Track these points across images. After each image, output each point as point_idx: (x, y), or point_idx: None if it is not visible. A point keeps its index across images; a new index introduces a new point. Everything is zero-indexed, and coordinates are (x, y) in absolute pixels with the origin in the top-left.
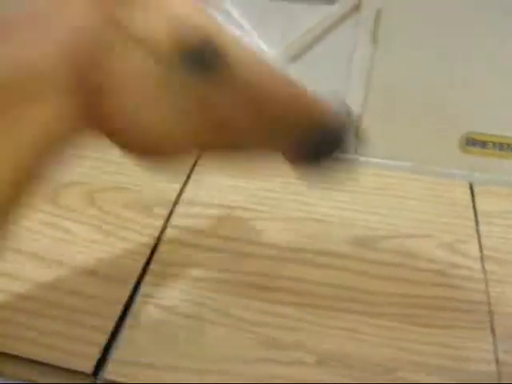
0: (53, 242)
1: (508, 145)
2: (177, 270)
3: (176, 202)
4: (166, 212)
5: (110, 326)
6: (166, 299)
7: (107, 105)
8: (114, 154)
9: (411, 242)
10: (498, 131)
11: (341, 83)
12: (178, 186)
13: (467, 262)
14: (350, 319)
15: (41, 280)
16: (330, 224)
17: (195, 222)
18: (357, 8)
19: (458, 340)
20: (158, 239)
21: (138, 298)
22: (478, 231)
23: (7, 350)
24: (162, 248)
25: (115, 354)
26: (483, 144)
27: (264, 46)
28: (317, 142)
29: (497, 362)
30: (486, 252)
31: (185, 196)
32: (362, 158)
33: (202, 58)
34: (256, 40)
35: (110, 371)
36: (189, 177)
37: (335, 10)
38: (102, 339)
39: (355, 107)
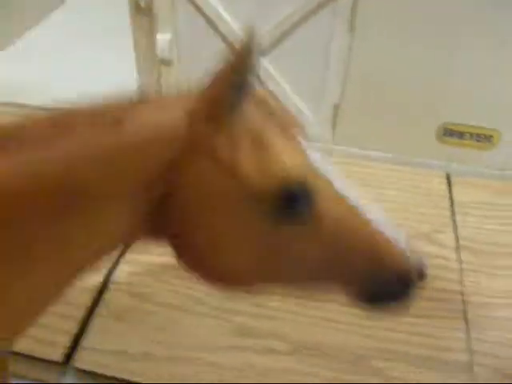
0: None
1: (485, 136)
2: (150, 258)
3: None
4: None
5: (81, 314)
6: (138, 287)
7: (179, 223)
8: None
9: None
10: (475, 122)
11: (318, 72)
12: None
13: (443, 251)
14: (325, 308)
15: None
16: None
17: None
18: None
19: (432, 329)
20: None
21: (111, 286)
22: (454, 221)
23: None
24: None
25: (86, 342)
26: (460, 135)
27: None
28: (384, 287)
29: (469, 350)
30: (461, 242)
31: None
32: (339, 147)
33: (295, 205)
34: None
35: (80, 359)
36: None
37: None
38: (73, 327)
39: (332, 97)
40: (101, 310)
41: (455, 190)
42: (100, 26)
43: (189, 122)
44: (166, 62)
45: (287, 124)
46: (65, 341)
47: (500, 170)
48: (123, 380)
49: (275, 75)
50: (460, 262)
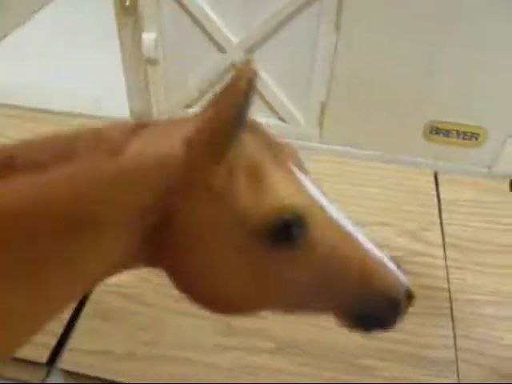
0: None
1: (471, 133)
2: None
3: None
4: None
5: (67, 314)
6: (125, 287)
7: (174, 253)
8: None
9: (374, 230)
10: (461, 120)
11: (304, 71)
12: None
13: (429, 249)
14: None
15: None
16: None
17: None
18: None
19: (418, 326)
20: None
21: (98, 286)
22: (440, 219)
23: None
24: None
25: (71, 342)
26: (447, 133)
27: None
28: (373, 310)
29: (455, 347)
30: (447, 239)
31: None
32: (326, 146)
33: (290, 234)
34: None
35: (65, 360)
36: None
37: None
38: (59, 328)
39: (319, 95)
40: (86, 310)
41: (442, 187)
42: (88, 23)
43: (187, 152)
44: (152, 61)
45: (282, 154)
46: (50, 342)
47: (486, 167)
48: (108, 380)
49: (261, 74)
50: (446, 259)
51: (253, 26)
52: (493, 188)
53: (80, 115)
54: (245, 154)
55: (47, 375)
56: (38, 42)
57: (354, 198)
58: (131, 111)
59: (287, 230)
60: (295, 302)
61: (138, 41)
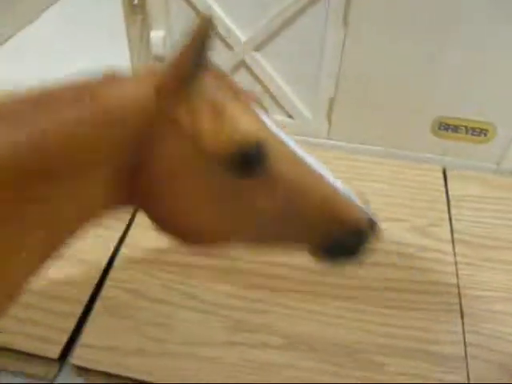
0: None
1: (480, 129)
2: (146, 255)
3: None
4: None
5: (79, 310)
6: (134, 283)
7: (148, 189)
8: None
9: (383, 226)
10: (470, 116)
11: (312, 67)
12: None
13: (438, 245)
14: (319, 302)
15: None
16: None
17: None
18: None
19: (427, 322)
20: (129, 223)
21: (108, 283)
22: (449, 215)
23: None
24: (132, 232)
25: (83, 338)
26: (455, 128)
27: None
28: (339, 240)
29: (464, 343)
30: (456, 235)
31: None
32: (334, 142)
33: (251, 164)
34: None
35: (76, 356)
36: None
37: None
38: (71, 324)
39: (327, 92)
40: (96, 306)
41: (450, 183)
42: (96, 22)
43: (155, 96)
44: (160, 59)
45: (243, 95)
46: (61, 338)
47: (495, 163)
48: (118, 375)
49: (269, 70)
50: (455, 255)
51: (260, 23)
52: (501, 184)
53: None
54: (207, 94)
55: (59, 371)
56: (45, 41)
57: (366, 194)
58: None
59: (246, 159)
60: (263, 233)
61: (146, 39)
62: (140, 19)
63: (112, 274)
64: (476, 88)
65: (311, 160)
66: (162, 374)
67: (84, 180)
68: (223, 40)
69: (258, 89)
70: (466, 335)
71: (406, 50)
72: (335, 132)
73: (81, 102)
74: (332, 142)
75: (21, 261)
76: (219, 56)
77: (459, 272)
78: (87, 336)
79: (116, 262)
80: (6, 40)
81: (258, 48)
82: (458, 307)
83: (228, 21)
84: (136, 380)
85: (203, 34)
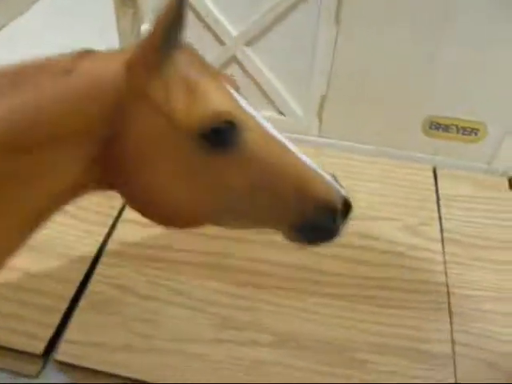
0: None
1: (471, 129)
2: (133, 250)
3: None
4: None
5: (63, 306)
6: (121, 279)
7: (123, 165)
8: None
9: (374, 225)
10: (461, 115)
11: (304, 64)
12: None
13: (428, 244)
14: (310, 300)
15: None
16: None
17: None
18: None
19: (416, 321)
20: (117, 219)
21: (94, 278)
22: (439, 214)
23: None
24: (119, 228)
25: (67, 334)
26: (446, 128)
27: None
28: (313, 219)
29: (452, 342)
30: (446, 235)
31: None
32: (325, 140)
33: (223, 139)
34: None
35: (61, 352)
36: None
37: None
38: (55, 320)
39: (318, 89)
40: (82, 302)
41: (441, 182)
42: (87, 14)
43: (126, 71)
44: None
45: (216, 73)
46: (46, 333)
47: (486, 163)
48: (104, 372)
49: (261, 67)
50: (444, 254)
51: (252, 18)
52: (492, 184)
53: None
54: (180, 71)
55: (43, 367)
56: (35, 33)
57: (353, 192)
58: None
59: (218, 134)
60: (237, 211)
61: (137, 32)
62: (131, 13)
63: (99, 269)
64: (467, 87)
65: (284, 139)
66: (149, 370)
67: (58, 154)
68: (215, 34)
69: (248, 84)
70: (456, 334)
71: (398, 48)
72: (326, 130)
73: (55, 77)
74: (323, 139)
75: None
76: (210, 50)
77: (448, 271)
78: (72, 331)
79: (103, 258)
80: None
81: (249, 43)
82: (446, 306)
83: (220, 16)
84: (122, 377)
85: (174, 11)
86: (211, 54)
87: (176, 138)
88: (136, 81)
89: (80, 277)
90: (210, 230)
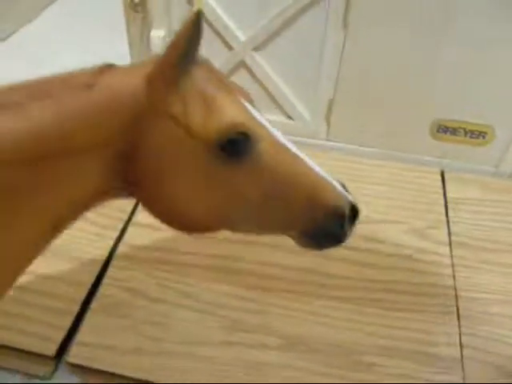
0: None
1: (479, 132)
2: (143, 253)
3: None
4: None
5: (75, 308)
6: (131, 282)
7: (142, 176)
8: None
9: (381, 228)
10: (469, 118)
11: (312, 68)
12: None
13: (436, 247)
14: (317, 303)
15: None
16: None
17: None
18: None
19: (424, 324)
20: (127, 222)
21: (104, 281)
22: (447, 217)
23: None
24: (130, 231)
25: (79, 337)
26: (454, 131)
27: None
28: (323, 224)
29: (460, 345)
30: (454, 238)
31: None
32: (333, 144)
33: (239, 150)
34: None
35: (73, 354)
36: None
37: None
38: (67, 322)
39: (326, 93)
40: (93, 305)
41: (449, 186)
42: (97, 20)
43: (146, 86)
44: None
45: (232, 87)
46: (58, 336)
47: (494, 166)
48: (115, 374)
49: (269, 72)
50: (452, 257)
51: (260, 23)
52: (500, 187)
53: None
54: (197, 85)
55: (55, 369)
56: (45, 39)
57: (361, 195)
58: None
59: (233, 145)
60: (251, 219)
61: (146, 38)
62: (140, 18)
63: (109, 272)
64: (475, 90)
65: (296, 149)
66: (158, 372)
67: (77, 164)
68: (223, 40)
69: (257, 89)
70: (463, 337)
71: (406, 52)
72: (334, 133)
73: (77, 92)
74: (331, 143)
75: (18, 245)
76: (219, 56)
77: (456, 274)
78: (83, 334)
79: (113, 261)
80: (8, 36)
81: (257, 48)
82: (454, 309)
83: (228, 21)
84: (133, 379)
85: (193, 27)
86: (220, 59)
87: (194, 150)
88: (155, 96)
89: (91, 280)
90: (220, 233)
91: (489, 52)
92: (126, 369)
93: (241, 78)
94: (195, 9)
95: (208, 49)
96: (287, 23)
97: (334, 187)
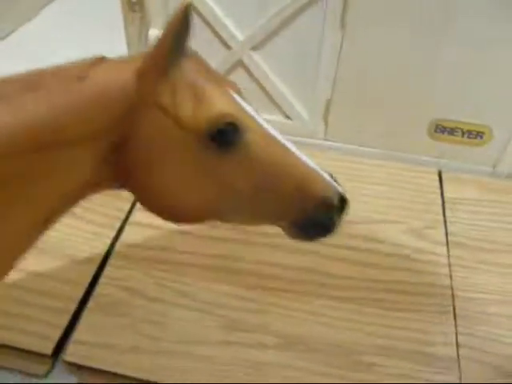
0: None
1: (476, 132)
2: (140, 252)
3: None
4: None
5: (72, 307)
6: (129, 281)
7: (133, 167)
8: None
9: (379, 228)
10: (466, 118)
11: (310, 68)
12: None
13: (433, 247)
14: (317, 303)
15: None
16: None
17: None
18: None
19: (421, 324)
20: (125, 221)
21: (101, 280)
22: (444, 217)
23: None
24: (127, 230)
25: (76, 335)
26: (452, 131)
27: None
28: (312, 215)
29: (457, 344)
30: (451, 238)
31: None
32: (330, 143)
33: (228, 140)
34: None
35: (70, 352)
36: None
37: None
38: (64, 321)
39: (324, 93)
40: (90, 303)
41: (446, 186)
42: (94, 19)
43: (137, 79)
44: None
45: (222, 80)
46: (54, 334)
47: (491, 166)
48: (112, 373)
49: (267, 71)
50: (449, 257)
51: (259, 23)
52: (497, 187)
53: None
54: (187, 77)
55: (52, 367)
56: (44, 38)
57: (359, 195)
58: None
59: (222, 135)
60: (241, 209)
61: (144, 37)
62: (139, 17)
63: (107, 271)
64: (474, 90)
65: (285, 141)
66: (156, 372)
67: (67, 155)
68: (221, 39)
69: (254, 88)
70: (460, 337)
71: (404, 52)
72: (332, 133)
73: (69, 83)
74: (329, 143)
75: (12, 236)
76: (217, 55)
77: (453, 274)
78: (81, 333)
79: (111, 260)
80: (8, 35)
81: (255, 48)
82: (451, 309)
83: (226, 20)
84: (130, 377)
85: (182, 20)
86: (217, 58)
87: (183, 140)
88: (146, 88)
89: (88, 279)
90: (218, 232)
91: (489, 52)
92: (123, 367)
93: (239, 78)
94: (185, 1)
95: (206, 48)
96: (285, 23)
97: (323, 178)
